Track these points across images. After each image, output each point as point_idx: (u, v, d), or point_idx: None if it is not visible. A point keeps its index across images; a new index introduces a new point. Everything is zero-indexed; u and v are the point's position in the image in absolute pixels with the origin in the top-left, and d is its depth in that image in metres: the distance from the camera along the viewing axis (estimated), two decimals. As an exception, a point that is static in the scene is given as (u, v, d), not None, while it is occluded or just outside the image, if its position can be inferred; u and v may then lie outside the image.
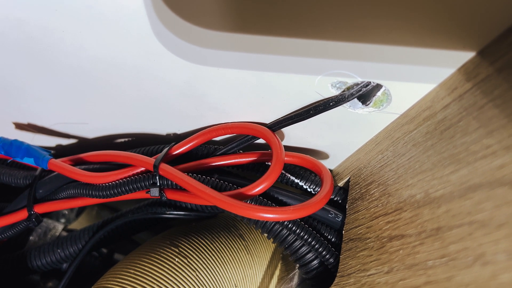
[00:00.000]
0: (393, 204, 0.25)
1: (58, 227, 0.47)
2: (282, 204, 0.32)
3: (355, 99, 0.28)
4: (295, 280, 0.35)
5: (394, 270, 0.22)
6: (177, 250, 0.35)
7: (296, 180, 0.33)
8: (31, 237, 0.45)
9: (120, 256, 0.48)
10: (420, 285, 0.19)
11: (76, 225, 0.54)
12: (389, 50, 0.23)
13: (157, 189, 0.32)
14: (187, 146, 0.34)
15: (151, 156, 0.34)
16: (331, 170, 0.38)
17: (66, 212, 0.53)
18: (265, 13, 0.22)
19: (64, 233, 0.47)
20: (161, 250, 0.35)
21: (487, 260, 0.16)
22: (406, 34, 0.22)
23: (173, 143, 0.34)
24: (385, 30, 0.22)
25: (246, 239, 0.39)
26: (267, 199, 0.32)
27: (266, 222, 0.31)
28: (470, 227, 0.18)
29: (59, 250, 0.40)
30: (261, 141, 0.33)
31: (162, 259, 0.34)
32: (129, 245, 0.49)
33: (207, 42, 0.25)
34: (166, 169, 0.31)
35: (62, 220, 0.52)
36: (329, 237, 0.32)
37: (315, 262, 0.32)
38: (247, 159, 0.33)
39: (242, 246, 0.38)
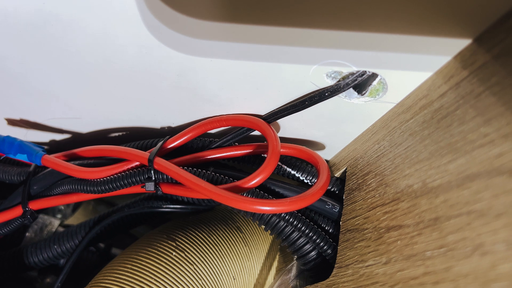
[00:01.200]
0: (390, 195, 0.24)
1: (55, 223, 0.46)
2: (279, 196, 0.32)
3: (351, 89, 0.27)
4: (293, 271, 0.35)
5: (392, 261, 0.22)
6: (174, 244, 0.35)
7: (293, 172, 0.33)
8: (27, 234, 0.45)
9: (117, 250, 0.47)
10: (419, 275, 0.19)
11: (73, 220, 0.54)
12: (384, 38, 0.23)
13: (152, 183, 0.32)
14: (182, 140, 0.34)
15: (145, 150, 0.34)
16: (327, 161, 0.38)
17: (62, 207, 0.53)
18: (257, 1, 0.22)
19: (61, 229, 0.46)
20: (158, 244, 0.35)
21: (486, 250, 0.16)
22: (401, 22, 0.21)
23: (168, 137, 0.34)
24: (380, 18, 0.21)
25: (244, 232, 0.39)
26: (264, 191, 0.31)
27: (263, 214, 0.31)
28: (468, 217, 0.18)
29: (55, 246, 0.40)
30: (256, 133, 0.32)
31: (159, 253, 0.34)
32: (126, 239, 0.48)
33: (199, 32, 0.25)
34: (161, 163, 0.31)
35: (59, 216, 0.52)
36: (326, 228, 0.32)
37: (313, 253, 0.32)
38: (243, 152, 0.33)
39: (240, 239, 0.38)
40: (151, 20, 0.24)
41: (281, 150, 0.32)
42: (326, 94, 0.27)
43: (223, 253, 0.36)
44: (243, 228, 0.39)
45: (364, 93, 0.27)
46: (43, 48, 0.28)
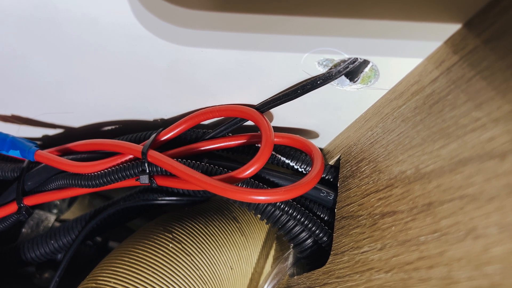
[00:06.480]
0: (384, 181, 0.24)
1: (51, 218, 0.46)
2: (273, 185, 0.32)
3: (343, 76, 0.27)
4: (290, 259, 0.35)
5: (387, 246, 0.22)
6: (171, 236, 0.35)
7: (287, 161, 0.33)
8: (23, 229, 0.45)
9: (114, 243, 0.47)
10: (413, 261, 0.19)
11: (69, 215, 0.54)
12: (374, 24, 0.22)
13: (147, 176, 0.32)
14: (175, 131, 0.33)
15: (139, 143, 0.34)
16: (321, 149, 0.38)
17: (58, 202, 0.53)
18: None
19: (57, 224, 0.46)
20: (155, 237, 0.35)
21: (478, 234, 0.16)
22: (391, 8, 0.21)
23: (161, 129, 0.34)
24: (369, 4, 0.21)
25: (240, 221, 0.39)
26: (259, 181, 0.32)
27: (259, 204, 0.31)
28: (461, 201, 0.18)
29: (52, 241, 0.40)
30: (250, 123, 0.32)
31: (156, 245, 0.34)
32: (123, 232, 0.48)
33: (189, 22, 0.24)
34: (155, 156, 0.31)
35: (54, 211, 0.52)
36: (322, 215, 0.32)
37: (309, 241, 0.32)
38: (236, 142, 0.33)
39: (236, 228, 0.38)
40: (140, 10, 0.24)
41: (275, 139, 0.32)
42: (318, 82, 0.27)
43: (220, 243, 0.36)
44: (239, 218, 0.39)
45: (356, 80, 0.27)
46: (32, 41, 0.28)
